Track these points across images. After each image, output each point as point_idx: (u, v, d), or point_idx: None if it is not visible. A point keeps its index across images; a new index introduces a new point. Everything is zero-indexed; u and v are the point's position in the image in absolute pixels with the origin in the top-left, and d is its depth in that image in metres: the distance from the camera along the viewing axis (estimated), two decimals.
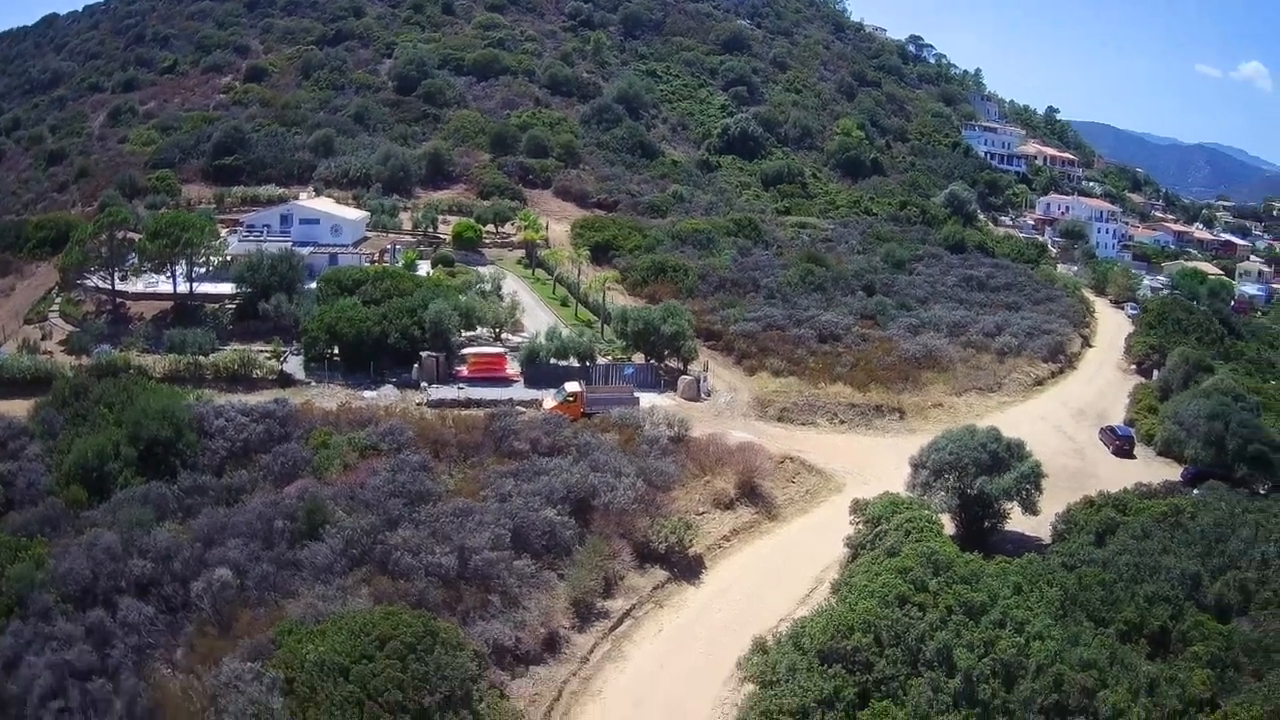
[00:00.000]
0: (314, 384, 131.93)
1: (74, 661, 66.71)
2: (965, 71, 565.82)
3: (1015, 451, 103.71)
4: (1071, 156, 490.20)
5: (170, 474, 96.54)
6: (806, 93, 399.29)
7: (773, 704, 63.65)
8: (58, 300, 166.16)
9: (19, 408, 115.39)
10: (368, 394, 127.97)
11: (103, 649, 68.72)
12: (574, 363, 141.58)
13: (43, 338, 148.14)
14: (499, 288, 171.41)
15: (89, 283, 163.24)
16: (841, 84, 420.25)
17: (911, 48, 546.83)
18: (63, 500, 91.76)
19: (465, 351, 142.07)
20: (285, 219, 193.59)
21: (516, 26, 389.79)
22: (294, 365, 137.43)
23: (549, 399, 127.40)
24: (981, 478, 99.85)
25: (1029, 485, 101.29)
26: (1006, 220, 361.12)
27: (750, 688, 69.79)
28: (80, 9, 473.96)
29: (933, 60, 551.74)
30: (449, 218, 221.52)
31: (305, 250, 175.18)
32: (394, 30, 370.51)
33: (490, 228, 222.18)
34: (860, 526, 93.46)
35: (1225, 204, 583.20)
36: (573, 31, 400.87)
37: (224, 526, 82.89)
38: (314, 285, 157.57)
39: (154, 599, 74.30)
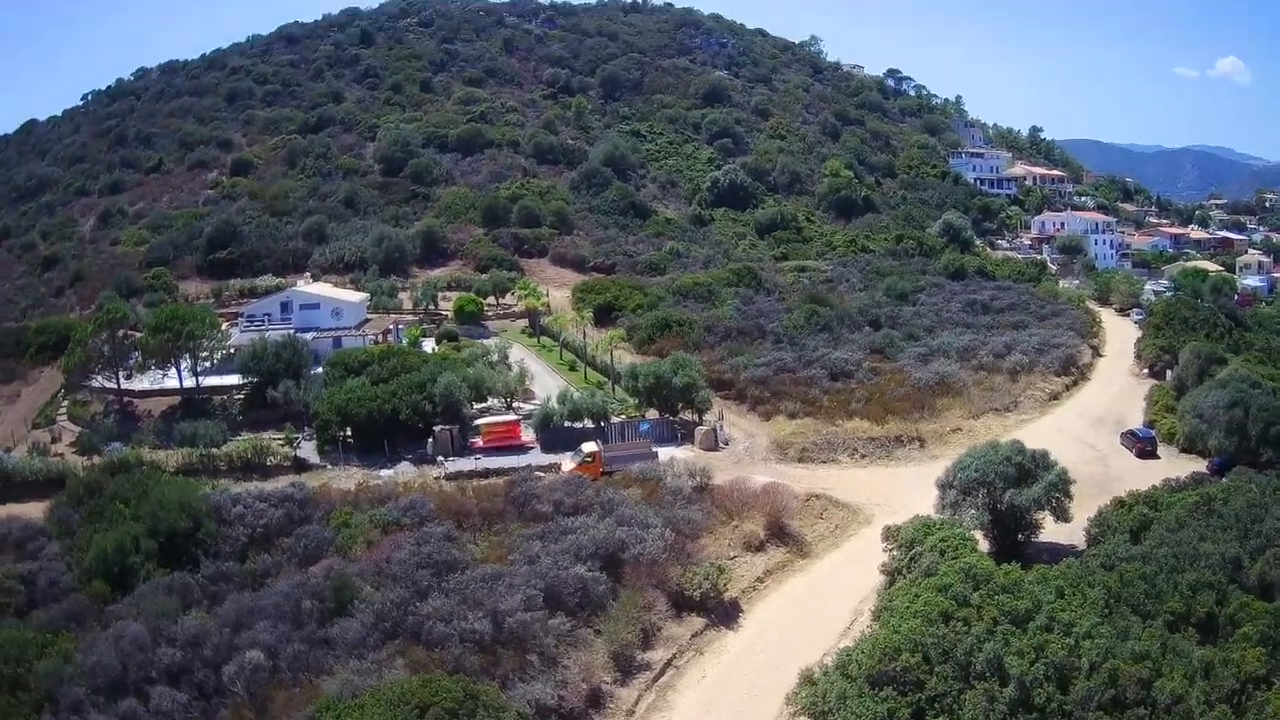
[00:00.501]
0: (329, 467, 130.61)
1: None
2: (946, 100, 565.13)
3: (1040, 461, 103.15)
4: (1061, 173, 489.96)
5: (192, 564, 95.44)
6: (791, 138, 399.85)
7: None
8: (64, 403, 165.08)
9: (34, 510, 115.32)
10: (384, 473, 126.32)
11: None
12: (588, 424, 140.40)
13: (52, 441, 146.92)
14: (506, 357, 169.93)
15: (94, 383, 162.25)
16: (825, 125, 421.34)
17: (890, 82, 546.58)
18: (86, 595, 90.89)
19: (479, 422, 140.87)
20: (285, 306, 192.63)
21: (496, 99, 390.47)
22: (307, 450, 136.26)
23: (567, 461, 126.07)
24: (1010, 490, 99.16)
25: (1058, 493, 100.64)
26: (1003, 243, 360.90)
27: None
28: (59, 114, 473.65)
29: (913, 92, 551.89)
30: (448, 294, 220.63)
31: (308, 335, 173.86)
32: (375, 112, 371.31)
33: (491, 300, 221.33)
34: (894, 552, 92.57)
35: (1218, 202, 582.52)
36: (553, 99, 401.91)
37: (251, 610, 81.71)
38: (320, 370, 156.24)
39: (186, 686, 73.12)
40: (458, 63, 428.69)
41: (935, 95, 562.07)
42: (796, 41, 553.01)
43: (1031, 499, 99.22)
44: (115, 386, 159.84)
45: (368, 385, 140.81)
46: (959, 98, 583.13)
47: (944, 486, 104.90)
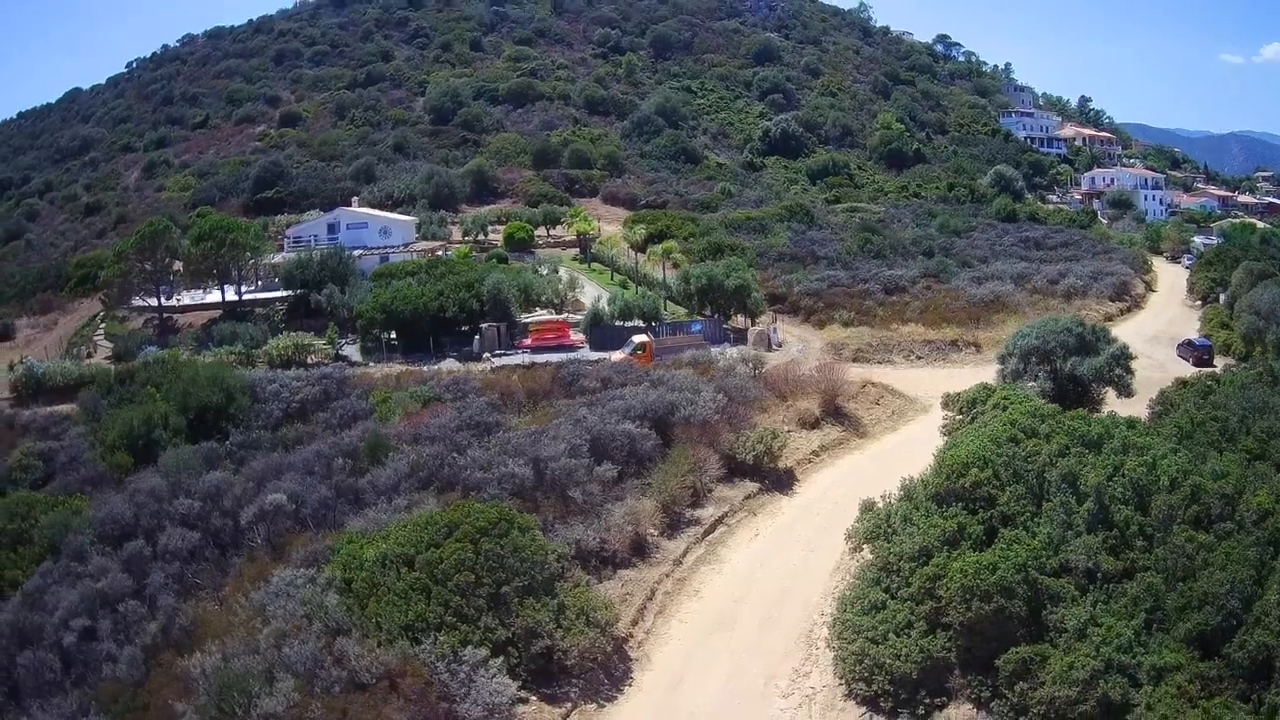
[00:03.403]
0: (371, 365, 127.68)
1: (106, 590, 62.04)
2: (995, 66, 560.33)
3: (1101, 335, 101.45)
4: (1110, 136, 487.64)
5: (222, 439, 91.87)
6: (842, 95, 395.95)
7: (891, 553, 58.88)
8: (102, 325, 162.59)
9: (64, 411, 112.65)
10: (428, 368, 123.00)
11: (140, 580, 63.98)
12: (638, 323, 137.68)
13: (88, 355, 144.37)
14: (556, 270, 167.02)
15: (134, 302, 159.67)
16: (876, 84, 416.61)
17: (940, 47, 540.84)
18: (106, 466, 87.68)
19: (527, 320, 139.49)
20: (333, 227, 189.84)
21: (546, 57, 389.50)
22: (350, 351, 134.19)
23: (617, 354, 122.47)
24: (1072, 359, 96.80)
25: (1121, 367, 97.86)
26: (1054, 198, 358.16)
27: (864, 557, 65.07)
28: (103, 81, 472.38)
29: (962, 58, 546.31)
30: (497, 227, 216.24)
31: (356, 252, 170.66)
32: (424, 70, 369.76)
33: (541, 230, 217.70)
34: (955, 415, 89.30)
35: (1264, 174, 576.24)
36: (603, 58, 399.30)
37: (278, 467, 77.90)
38: (367, 280, 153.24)
39: (201, 532, 69.43)
40: (507, 24, 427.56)
41: (985, 62, 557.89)
42: (845, 7, 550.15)
43: (1094, 369, 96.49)
44: (155, 304, 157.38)
45: (414, 285, 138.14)
46: (1008, 65, 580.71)
47: (1004, 357, 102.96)
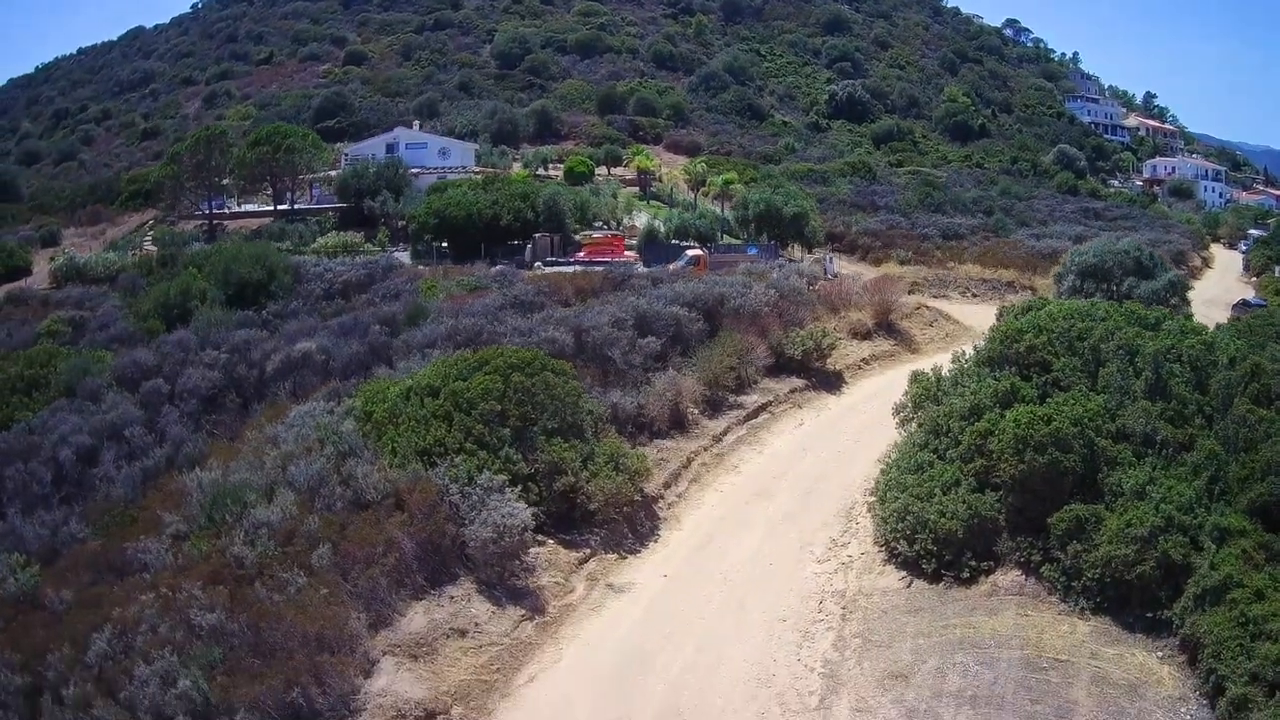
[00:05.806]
0: (421, 267, 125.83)
1: (115, 420, 59.98)
2: (1063, 54, 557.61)
3: (1158, 262, 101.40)
4: (1174, 129, 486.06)
5: (259, 311, 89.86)
6: (910, 68, 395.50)
7: (940, 414, 56.55)
8: (150, 232, 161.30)
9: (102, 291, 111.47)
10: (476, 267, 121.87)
11: (154, 414, 62.03)
12: (693, 243, 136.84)
13: (134, 254, 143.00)
14: (614, 194, 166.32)
15: (184, 209, 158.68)
16: (944, 60, 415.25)
17: (1009, 31, 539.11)
18: (139, 330, 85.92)
19: (580, 236, 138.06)
20: (391, 146, 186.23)
21: (616, 14, 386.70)
22: (401, 257, 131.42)
23: (672, 266, 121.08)
24: (1129, 279, 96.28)
25: (1177, 294, 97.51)
26: (1115, 183, 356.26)
27: (909, 430, 62.79)
28: (166, 21, 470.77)
29: (1030, 44, 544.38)
30: (558, 165, 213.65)
31: (414, 171, 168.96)
32: (493, 20, 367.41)
33: (602, 169, 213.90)
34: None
35: None
36: (673, 18, 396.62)
37: (313, 329, 76.03)
38: (422, 194, 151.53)
39: (224, 376, 67.43)
40: None
41: (1052, 50, 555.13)
42: None
43: (1151, 291, 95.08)
44: (205, 212, 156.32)
45: (469, 193, 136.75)
46: (1076, 54, 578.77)
47: (1060, 275, 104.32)
